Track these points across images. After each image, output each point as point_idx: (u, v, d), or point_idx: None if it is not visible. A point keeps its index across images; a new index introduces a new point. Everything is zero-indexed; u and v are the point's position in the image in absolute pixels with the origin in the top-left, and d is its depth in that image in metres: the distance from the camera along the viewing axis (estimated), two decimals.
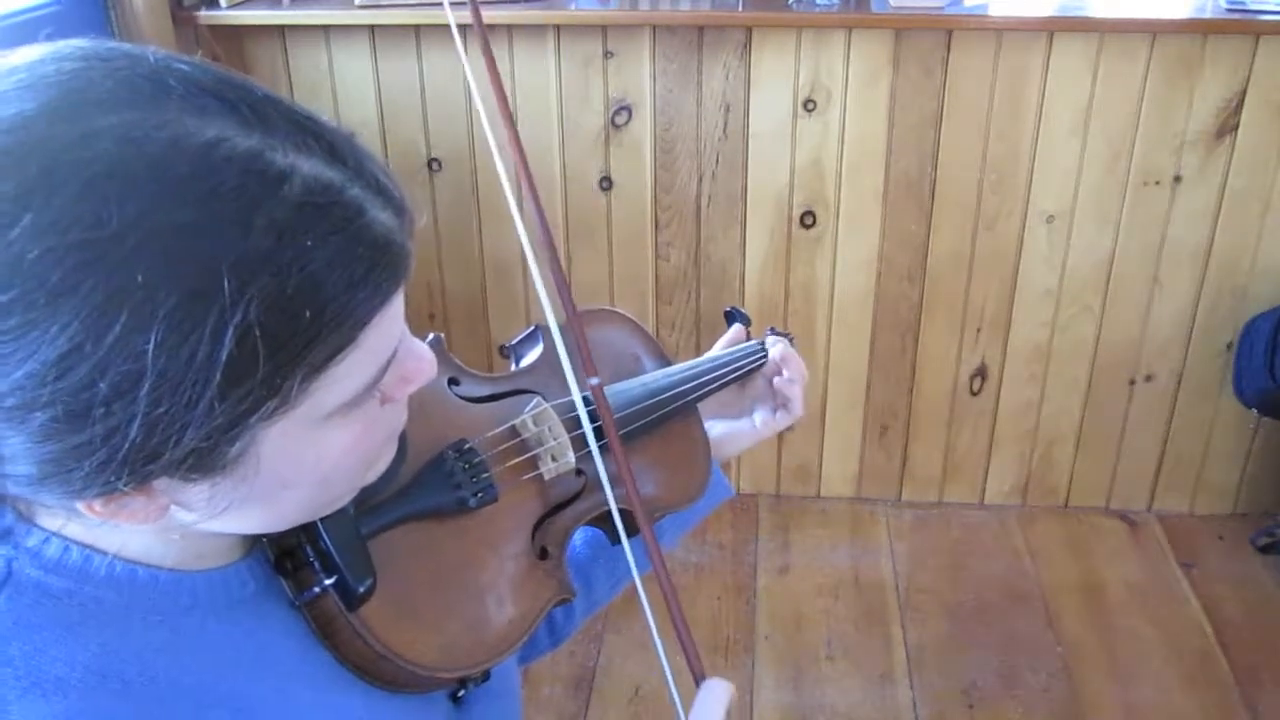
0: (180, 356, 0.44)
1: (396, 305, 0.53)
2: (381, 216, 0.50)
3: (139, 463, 0.46)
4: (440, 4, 0.80)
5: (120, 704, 0.52)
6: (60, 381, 0.43)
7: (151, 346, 0.43)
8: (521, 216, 0.79)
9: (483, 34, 0.79)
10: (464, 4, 0.87)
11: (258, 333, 0.45)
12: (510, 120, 0.80)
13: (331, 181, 0.48)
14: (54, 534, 0.55)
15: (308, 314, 0.46)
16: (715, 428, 0.99)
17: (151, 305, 0.43)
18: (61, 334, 0.42)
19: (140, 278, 0.43)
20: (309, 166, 0.48)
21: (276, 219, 0.45)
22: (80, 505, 0.50)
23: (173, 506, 0.52)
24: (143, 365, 0.43)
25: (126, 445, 0.45)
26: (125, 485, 0.47)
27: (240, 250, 0.44)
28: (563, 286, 0.78)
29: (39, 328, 0.42)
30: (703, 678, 0.71)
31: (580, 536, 0.93)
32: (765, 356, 0.98)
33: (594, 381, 0.78)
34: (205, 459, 0.48)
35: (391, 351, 0.54)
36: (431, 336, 0.68)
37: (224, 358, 0.44)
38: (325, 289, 0.47)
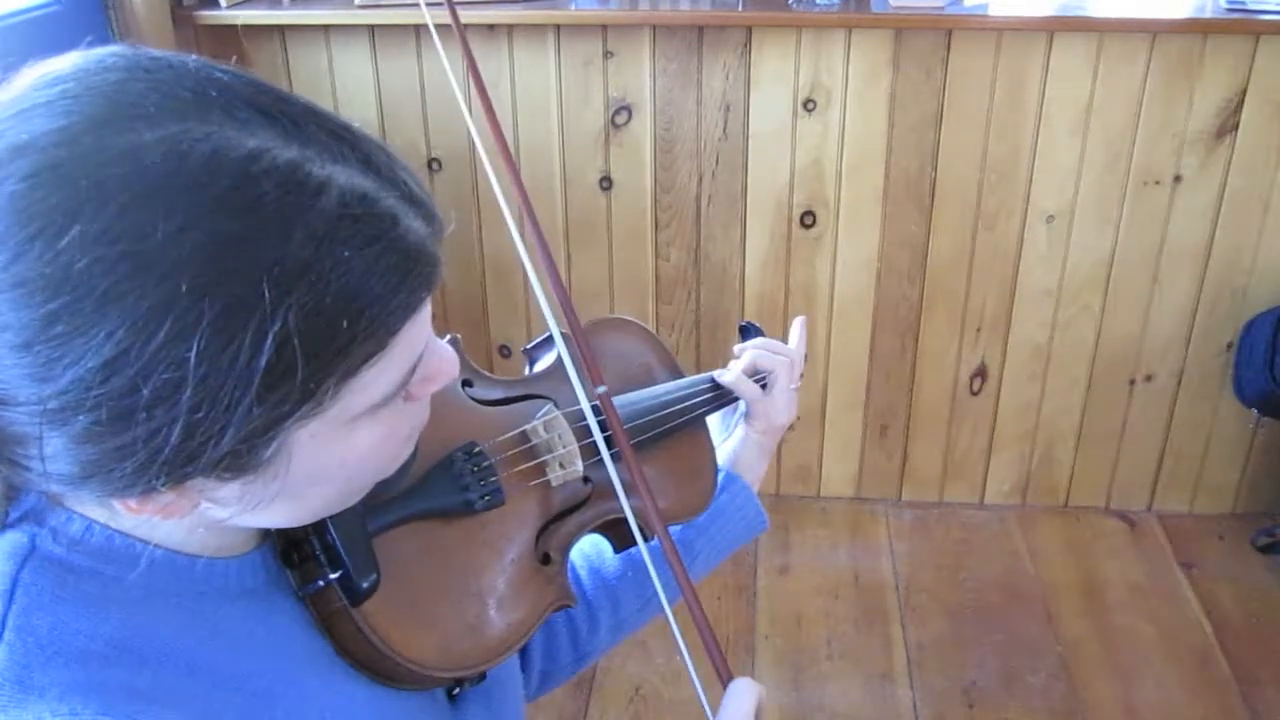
0: (221, 363, 0.45)
1: (426, 310, 0.54)
2: (414, 225, 0.51)
3: (178, 464, 0.48)
4: (418, 4, 0.80)
5: (139, 676, 0.53)
6: (104, 386, 0.45)
7: (194, 354, 0.45)
8: (520, 232, 0.79)
9: (462, 35, 0.78)
10: (441, 4, 0.86)
11: (296, 340, 0.46)
12: (498, 129, 0.80)
13: (367, 192, 0.49)
14: (78, 515, 0.56)
15: (344, 322, 0.48)
16: (722, 451, 0.99)
17: (195, 314, 0.44)
18: (107, 341, 0.44)
19: (184, 287, 0.44)
20: (345, 177, 0.49)
21: (315, 230, 0.47)
22: (117, 503, 0.51)
23: (204, 503, 0.53)
24: (185, 372, 0.45)
25: (167, 448, 0.47)
26: (163, 485, 0.49)
27: (280, 260, 0.46)
28: (564, 297, 0.78)
29: (85, 334, 0.44)
30: (730, 678, 0.71)
31: (615, 558, 0.92)
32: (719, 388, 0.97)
33: (600, 389, 0.78)
34: (240, 460, 0.50)
35: (419, 354, 0.55)
36: (449, 337, 0.68)
37: (263, 364, 0.46)
38: (361, 297, 0.48)
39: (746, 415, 0.98)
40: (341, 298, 0.47)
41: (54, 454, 0.47)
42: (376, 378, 0.52)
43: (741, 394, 0.96)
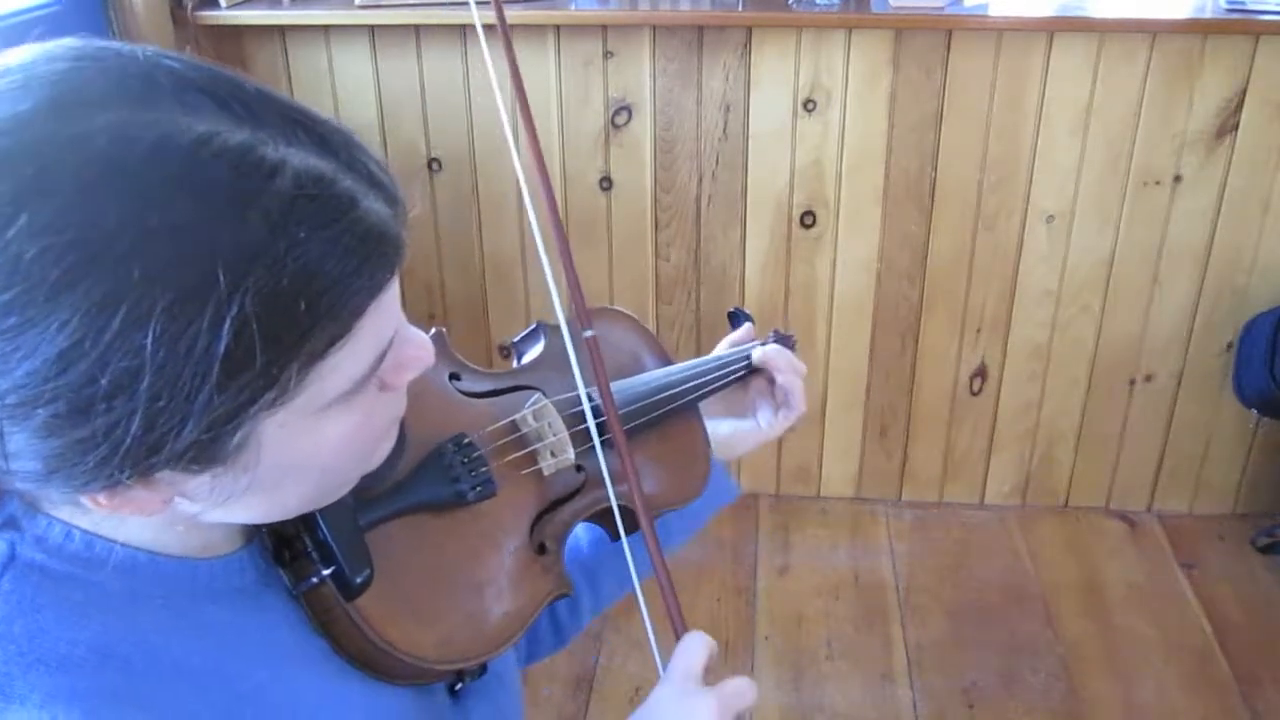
0: (178, 350, 0.44)
1: (392, 294, 0.53)
2: (374, 206, 0.50)
3: (141, 455, 0.47)
4: (455, 5, 0.80)
5: (122, 681, 0.53)
6: (61, 378, 0.44)
7: (150, 341, 0.44)
8: (536, 213, 0.80)
9: (506, 34, 0.79)
10: (487, 3, 0.87)
11: (254, 325, 0.46)
12: (530, 122, 0.80)
13: (323, 173, 0.49)
14: (57, 520, 0.55)
15: (303, 305, 0.47)
16: (721, 427, 0.98)
17: (149, 301, 0.44)
18: (61, 331, 0.43)
19: (137, 274, 0.43)
20: (300, 159, 0.48)
21: (269, 212, 0.46)
22: (85, 499, 0.50)
23: (176, 498, 0.53)
24: (142, 360, 0.44)
25: (128, 439, 0.46)
26: (128, 478, 0.48)
27: (234, 244, 0.45)
28: (575, 286, 0.78)
29: (38, 326, 0.43)
30: (684, 632, 0.72)
31: (586, 536, 0.93)
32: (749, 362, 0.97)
33: (588, 333, 0.77)
34: (207, 450, 0.49)
35: (388, 340, 0.54)
36: (434, 331, 0.68)
37: (221, 350, 0.45)
38: (320, 280, 0.48)
39: (761, 406, 0.98)
40: (299, 280, 0.47)
41: (17, 451, 0.47)
42: (342, 363, 0.51)
43: (779, 368, 0.95)
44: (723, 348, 1.00)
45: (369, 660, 0.65)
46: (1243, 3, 2.09)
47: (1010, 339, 2.44)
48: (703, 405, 0.95)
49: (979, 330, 2.43)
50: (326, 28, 2.25)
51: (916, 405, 2.53)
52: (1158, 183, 2.24)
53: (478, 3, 0.89)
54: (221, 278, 0.44)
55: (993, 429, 2.55)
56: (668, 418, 0.90)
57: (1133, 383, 2.45)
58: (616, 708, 2.07)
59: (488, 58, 0.78)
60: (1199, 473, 2.53)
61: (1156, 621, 2.26)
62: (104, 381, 0.44)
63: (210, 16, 2.16)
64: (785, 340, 1.01)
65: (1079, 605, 2.31)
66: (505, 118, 0.76)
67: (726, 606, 2.31)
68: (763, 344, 0.98)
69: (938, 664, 2.16)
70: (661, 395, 0.89)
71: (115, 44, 0.49)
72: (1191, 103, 2.15)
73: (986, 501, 2.63)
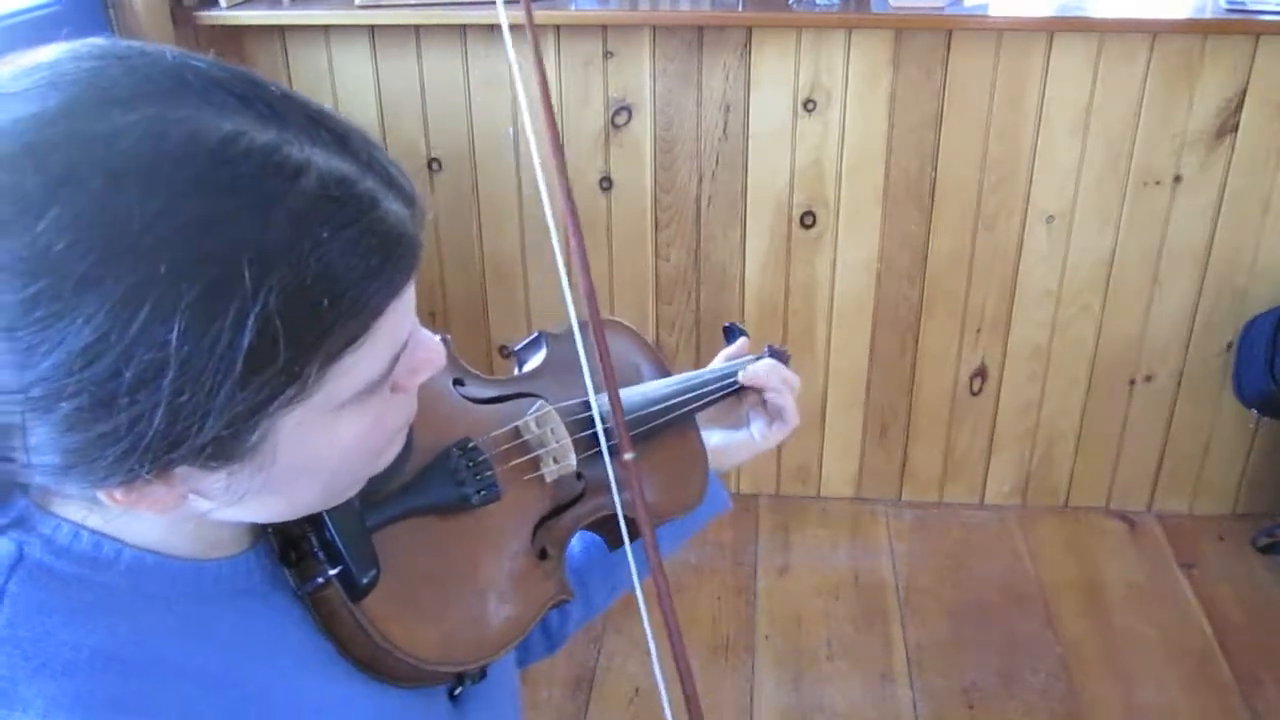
0: (202, 346, 0.45)
1: (408, 295, 0.54)
2: (394, 208, 0.51)
3: (161, 451, 0.47)
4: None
5: (126, 685, 0.53)
6: (86, 371, 0.44)
7: (175, 336, 0.44)
8: (556, 226, 0.79)
9: (534, 34, 0.78)
10: (512, 2, 0.87)
11: (278, 322, 0.46)
12: (554, 126, 0.80)
13: (346, 175, 0.49)
14: (66, 520, 0.55)
15: (325, 303, 0.48)
16: (713, 438, 0.99)
17: (174, 296, 0.44)
18: (87, 325, 0.44)
19: (163, 269, 0.44)
20: (324, 160, 0.49)
21: (294, 211, 0.47)
22: (102, 494, 0.51)
23: (191, 495, 0.53)
24: (166, 354, 0.44)
25: (150, 433, 0.46)
26: (147, 473, 0.49)
27: (259, 242, 0.45)
28: (590, 293, 0.78)
29: (65, 319, 0.44)
30: None
31: (579, 543, 0.93)
32: (738, 379, 0.97)
33: (629, 456, 0.77)
34: (225, 447, 0.49)
35: (403, 341, 0.55)
36: (440, 337, 0.69)
37: (245, 346, 0.46)
38: (342, 279, 0.48)
39: (754, 418, 0.98)
40: (322, 279, 0.47)
41: (38, 444, 0.47)
42: (359, 362, 0.52)
43: (769, 385, 0.95)
44: (718, 363, 1.00)
45: (372, 661, 0.65)
46: (1243, 3, 2.09)
47: (1010, 339, 2.44)
48: (697, 416, 0.96)
49: (979, 330, 2.43)
50: (326, 28, 2.25)
51: (916, 405, 2.54)
52: (1158, 183, 2.24)
53: (505, 1, 0.89)
54: (246, 275, 0.45)
55: (993, 429, 2.55)
56: (666, 428, 0.91)
57: (1133, 383, 2.45)
58: (616, 708, 2.07)
59: (512, 57, 0.78)
60: (1199, 473, 2.54)
61: (1156, 621, 2.26)
62: (128, 376, 0.45)
63: (210, 16, 2.16)
64: (779, 355, 1.01)
65: (1079, 605, 2.31)
66: (527, 121, 0.76)
67: (726, 606, 2.32)
68: (756, 359, 0.99)
69: (938, 664, 2.16)
70: (659, 406, 0.90)
71: (142, 43, 0.50)
72: (1191, 103, 2.15)
73: (986, 501, 2.63)
